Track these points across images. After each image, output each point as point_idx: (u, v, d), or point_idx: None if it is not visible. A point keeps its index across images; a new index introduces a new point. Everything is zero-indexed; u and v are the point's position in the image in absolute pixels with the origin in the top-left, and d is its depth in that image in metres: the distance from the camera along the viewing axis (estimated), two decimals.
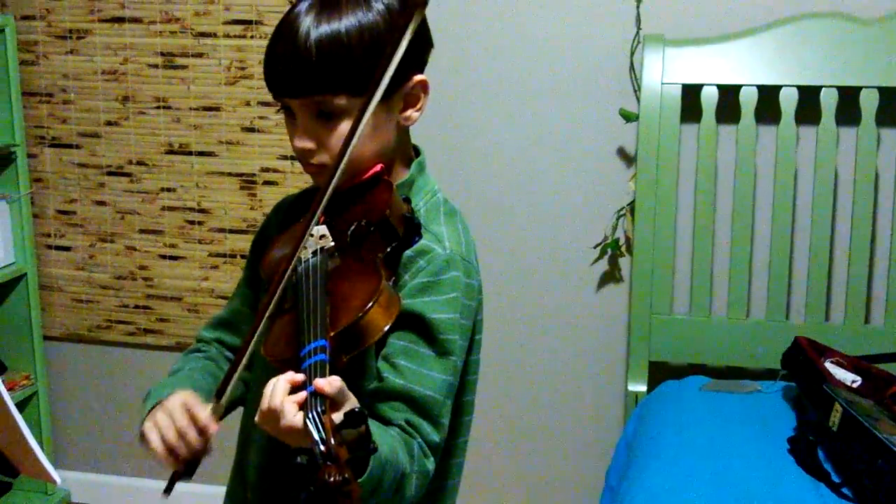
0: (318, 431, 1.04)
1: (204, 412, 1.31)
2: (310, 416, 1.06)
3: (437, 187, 1.47)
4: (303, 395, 1.11)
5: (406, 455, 1.27)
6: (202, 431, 1.30)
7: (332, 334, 1.19)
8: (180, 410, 1.31)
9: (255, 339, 1.31)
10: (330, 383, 1.11)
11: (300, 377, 1.14)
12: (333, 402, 1.11)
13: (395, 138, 1.42)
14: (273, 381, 1.16)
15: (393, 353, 1.33)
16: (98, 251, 3.15)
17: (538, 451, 2.98)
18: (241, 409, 1.56)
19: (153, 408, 1.36)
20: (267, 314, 1.30)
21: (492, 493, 3.02)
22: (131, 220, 3.10)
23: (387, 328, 1.25)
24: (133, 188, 3.08)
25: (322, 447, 1.02)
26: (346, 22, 1.33)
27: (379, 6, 1.36)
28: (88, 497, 3.31)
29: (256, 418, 1.17)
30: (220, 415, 1.34)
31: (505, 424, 2.97)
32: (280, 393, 1.14)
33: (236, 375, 1.33)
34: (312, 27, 1.33)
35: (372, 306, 1.22)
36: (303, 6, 1.36)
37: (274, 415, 1.13)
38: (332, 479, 0.98)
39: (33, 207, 3.12)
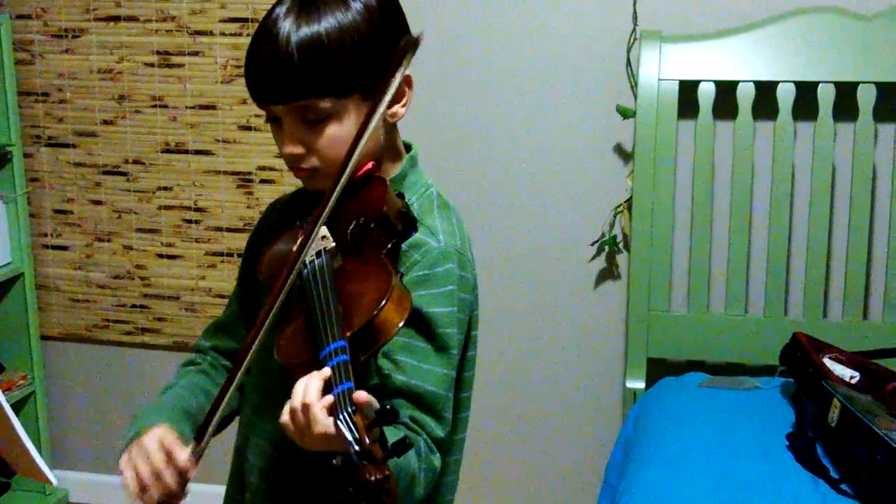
0: (352, 432, 1.04)
1: (183, 454, 1.29)
2: (341, 417, 1.06)
3: (430, 182, 1.47)
4: (330, 398, 1.10)
5: (414, 455, 1.27)
6: (180, 474, 1.29)
7: (348, 334, 1.18)
8: (157, 450, 1.29)
9: (250, 352, 1.29)
10: (368, 397, 1.10)
11: (328, 373, 1.13)
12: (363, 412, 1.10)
13: (384, 135, 1.42)
14: (303, 381, 1.14)
15: (393, 349, 1.32)
16: (95, 250, 3.14)
17: (537, 449, 2.98)
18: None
19: (133, 439, 1.34)
20: (267, 323, 1.28)
21: (490, 490, 3.02)
22: (128, 219, 3.10)
23: (401, 324, 1.23)
24: (130, 187, 3.08)
25: (357, 447, 1.02)
26: (326, 24, 1.32)
27: (357, 5, 1.35)
28: (86, 497, 3.31)
29: (283, 417, 1.15)
30: (201, 454, 1.32)
31: (503, 421, 2.97)
32: (314, 394, 1.12)
33: (220, 409, 1.30)
34: (292, 31, 1.32)
35: (386, 303, 1.20)
36: (280, 10, 1.35)
37: (306, 421, 1.12)
38: (373, 478, 0.98)
39: (30, 207, 3.12)
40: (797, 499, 1.91)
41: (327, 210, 1.31)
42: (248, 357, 1.30)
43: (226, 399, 1.30)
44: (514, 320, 2.90)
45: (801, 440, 2.11)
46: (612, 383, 2.87)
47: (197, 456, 1.31)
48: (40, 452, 1.28)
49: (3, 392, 2.94)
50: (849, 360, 2.35)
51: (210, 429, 1.31)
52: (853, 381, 2.27)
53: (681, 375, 2.57)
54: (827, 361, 2.30)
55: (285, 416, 1.15)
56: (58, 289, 3.20)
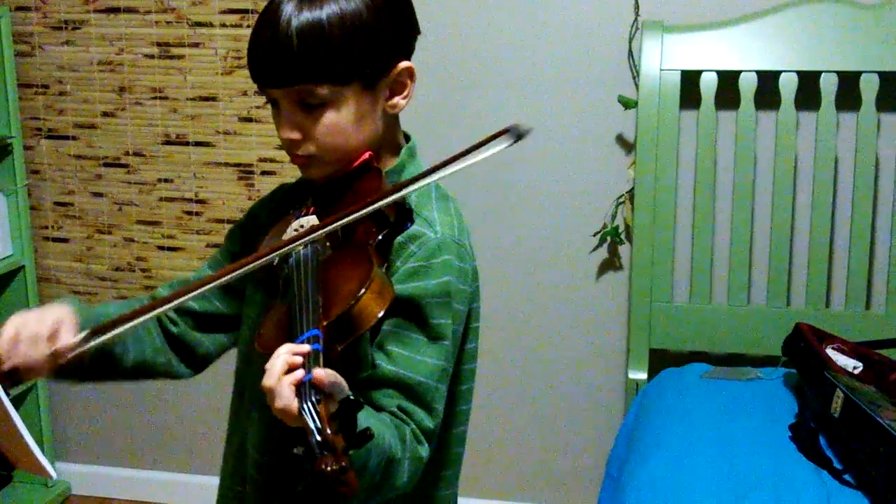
0: (314, 421, 1.03)
1: (69, 337, 1.27)
2: (305, 406, 1.05)
3: None
4: (300, 373, 1.09)
5: (397, 441, 1.25)
6: (54, 354, 1.26)
7: (325, 324, 1.18)
8: (50, 322, 1.27)
9: (188, 294, 1.28)
10: (327, 375, 1.10)
11: (302, 350, 1.12)
12: (329, 395, 1.09)
13: (383, 126, 1.41)
14: (273, 356, 1.14)
15: (385, 339, 1.32)
16: (96, 243, 3.14)
17: (539, 440, 2.98)
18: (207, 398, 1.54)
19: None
20: (217, 282, 1.27)
21: (492, 482, 3.01)
22: (129, 211, 3.09)
23: (381, 315, 1.23)
24: (130, 179, 3.07)
25: (318, 437, 1.01)
26: (328, 10, 1.32)
27: None
28: (88, 489, 3.31)
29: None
30: (83, 352, 1.27)
31: (505, 413, 2.97)
32: (277, 373, 1.11)
33: (132, 324, 1.27)
34: (293, 16, 1.31)
35: (364, 293, 1.21)
36: None
37: (270, 394, 1.11)
38: (329, 468, 0.98)
39: (30, 199, 3.11)
40: (800, 489, 1.91)
41: (330, 228, 1.30)
42: (181, 298, 1.28)
43: (139, 319, 1.27)
44: (515, 311, 2.90)
45: (804, 431, 2.10)
46: (614, 374, 2.86)
47: (79, 349, 1.27)
48: (42, 446, 1.28)
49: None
50: (852, 350, 2.34)
51: (104, 337, 1.27)
52: (856, 372, 2.27)
53: (683, 366, 2.57)
54: (830, 352, 2.30)
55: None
56: (59, 281, 3.20)
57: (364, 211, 1.29)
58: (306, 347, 1.12)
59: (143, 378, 1.49)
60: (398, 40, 1.39)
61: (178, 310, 1.54)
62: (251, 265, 1.28)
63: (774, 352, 2.47)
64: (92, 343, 1.27)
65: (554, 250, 2.85)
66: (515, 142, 1.34)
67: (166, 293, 1.53)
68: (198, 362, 1.55)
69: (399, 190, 1.31)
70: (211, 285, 1.28)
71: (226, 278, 1.28)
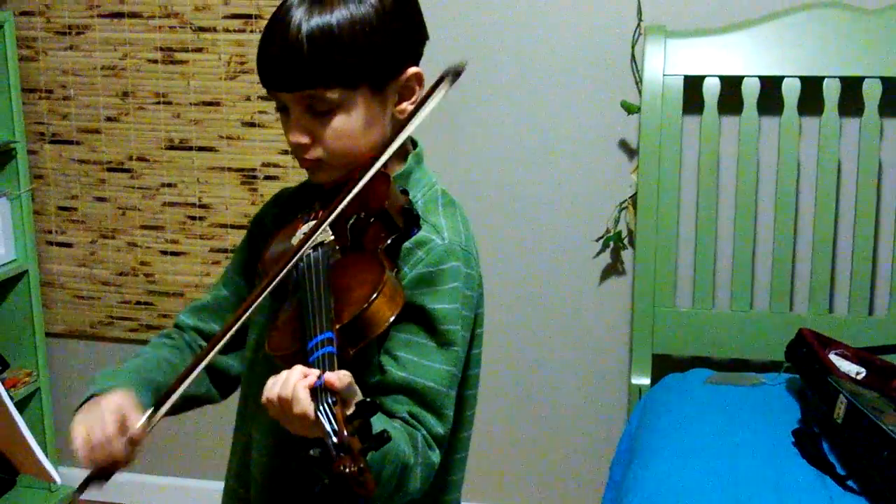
0: (330, 423, 1.03)
1: (137, 423, 1.28)
2: (321, 408, 1.06)
3: (435, 179, 1.47)
4: (313, 377, 1.10)
5: (409, 447, 1.26)
6: (130, 442, 1.28)
7: (337, 327, 1.18)
8: (113, 416, 1.28)
9: (228, 333, 1.29)
10: (340, 378, 1.10)
11: (314, 372, 1.12)
12: (343, 398, 1.10)
13: (391, 131, 1.42)
14: (284, 372, 1.14)
15: (394, 345, 1.32)
16: (99, 247, 3.14)
17: (542, 445, 2.98)
18: (212, 407, 1.56)
19: (89, 399, 1.34)
20: (252, 309, 1.29)
21: (496, 488, 3.01)
22: (132, 216, 3.10)
23: (392, 319, 1.24)
24: (134, 184, 3.07)
25: (335, 438, 1.01)
26: (338, 15, 1.32)
27: None
28: (92, 494, 3.30)
29: (264, 396, 1.15)
30: (154, 425, 1.31)
31: (508, 418, 2.97)
32: (294, 379, 1.11)
33: (186, 384, 1.30)
34: (304, 20, 1.32)
35: (376, 297, 1.21)
36: None
37: (286, 402, 1.11)
38: (347, 470, 0.98)
39: (34, 204, 3.12)
40: (802, 495, 1.91)
41: (333, 215, 1.31)
42: (224, 338, 1.29)
43: (193, 375, 1.29)
44: (518, 316, 2.90)
45: (807, 436, 2.10)
46: (617, 379, 2.86)
47: (150, 426, 1.30)
48: (45, 449, 1.28)
49: (9, 389, 2.95)
50: (855, 355, 2.34)
51: (169, 402, 1.30)
52: (859, 377, 2.27)
53: (686, 371, 2.57)
54: (833, 357, 2.29)
55: (266, 395, 1.14)
56: (62, 286, 3.20)
57: (357, 188, 1.30)
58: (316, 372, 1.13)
59: (188, 409, 1.50)
60: (407, 45, 1.40)
61: (201, 335, 1.57)
62: (272, 284, 1.29)
63: (777, 357, 2.47)
64: (158, 415, 1.30)
65: (557, 255, 2.85)
66: (453, 80, 1.36)
67: (189, 320, 1.57)
68: (230, 386, 1.57)
69: (378, 158, 1.33)
70: (243, 319, 1.29)
71: (253, 306, 1.29)
